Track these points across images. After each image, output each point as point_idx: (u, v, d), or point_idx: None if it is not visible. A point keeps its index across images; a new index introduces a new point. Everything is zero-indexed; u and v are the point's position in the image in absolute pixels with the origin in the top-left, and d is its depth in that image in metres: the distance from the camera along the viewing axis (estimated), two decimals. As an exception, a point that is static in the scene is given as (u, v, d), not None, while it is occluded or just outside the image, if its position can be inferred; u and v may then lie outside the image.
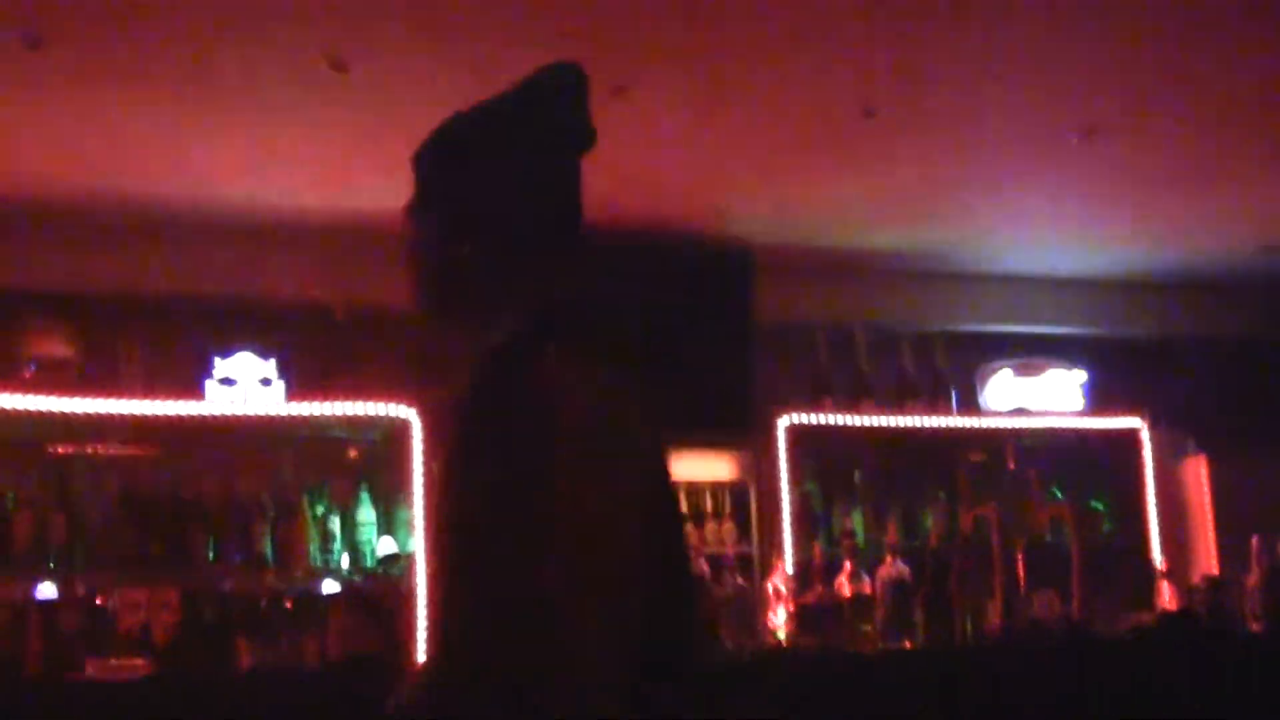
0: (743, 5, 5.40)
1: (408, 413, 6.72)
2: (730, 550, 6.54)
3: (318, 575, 6.73)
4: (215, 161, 6.69)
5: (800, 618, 5.86)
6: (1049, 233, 8.20)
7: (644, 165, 6.92)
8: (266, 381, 6.78)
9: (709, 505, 7.81)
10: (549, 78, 2.65)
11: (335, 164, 6.77)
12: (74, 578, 6.51)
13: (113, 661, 5.26)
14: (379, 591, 6.62)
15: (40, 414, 6.51)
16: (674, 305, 7.73)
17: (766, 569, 6.62)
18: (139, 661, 5.33)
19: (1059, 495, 7.85)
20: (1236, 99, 6.43)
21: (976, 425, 7.99)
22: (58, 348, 6.96)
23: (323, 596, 6.54)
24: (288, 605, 6.42)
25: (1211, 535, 8.11)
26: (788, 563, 6.63)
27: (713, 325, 7.90)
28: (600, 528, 2.25)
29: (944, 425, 7.85)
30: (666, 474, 2.55)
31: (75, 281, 7.28)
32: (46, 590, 6.47)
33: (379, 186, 7.03)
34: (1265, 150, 7.03)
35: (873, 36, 5.73)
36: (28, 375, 6.82)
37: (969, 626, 6.15)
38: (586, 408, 2.32)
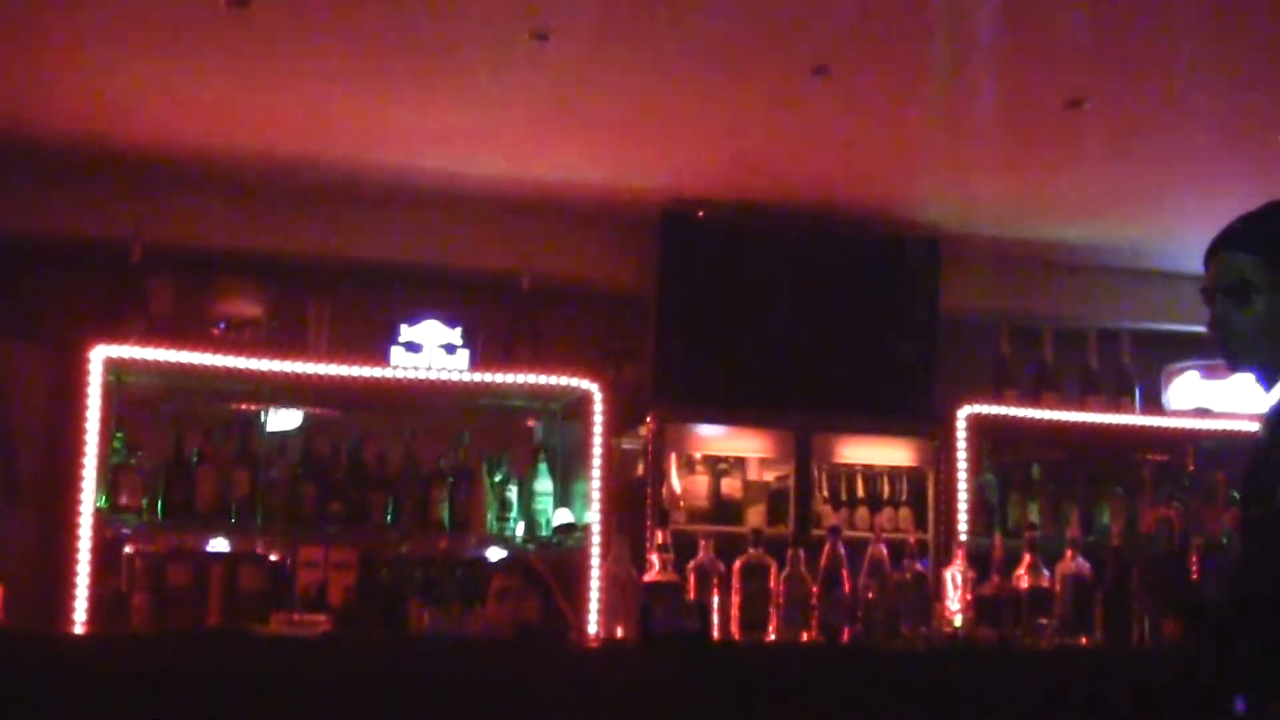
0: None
1: (589, 385, 6.74)
2: (907, 537, 6.47)
3: (493, 543, 6.79)
4: (410, 129, 6.76)
5: (977, 608, 5.78)
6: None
7: (838, 146, 6.91)
8: (451, 349, 6.84)
9: (886, 491, 7.79)
10: None
11: (531, 135, 6.81)
12: (254, 535, 6.63)
13: (295, 617, 5.31)
14: (545, 560, 6.65)
15: (227, 372, 6.60)
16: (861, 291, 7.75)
17: (941, 557, 6.56)
18: (321, 617, 5.38)
19: (1238, 498, 7.67)
20: None
21: (1159, 425, 7.87)
22: (247, 308, 7.08)
23: (489, 563, 6.59)
24: (461, 571, 6.45)
25: None
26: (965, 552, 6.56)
27: (898, 312, 7.88)
28: None
29: (1126, 423, 7.74)
30: None
31: (266, 243, 7.42)
32: (228, 546, 6.60)
33: (572, 158, 7.16)
34: None
35: (1081, 27, 5.64)
36: (216, 333, 6.94)
37: (1147, 628, 6.03)
38: None
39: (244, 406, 7.00)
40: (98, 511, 6.25)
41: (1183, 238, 8.07)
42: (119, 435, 6.45)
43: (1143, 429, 7.80)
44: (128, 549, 6.37)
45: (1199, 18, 5.50)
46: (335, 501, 6.57)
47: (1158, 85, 6.12)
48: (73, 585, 6.12)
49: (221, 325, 7.02)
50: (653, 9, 5.51)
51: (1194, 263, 8.37)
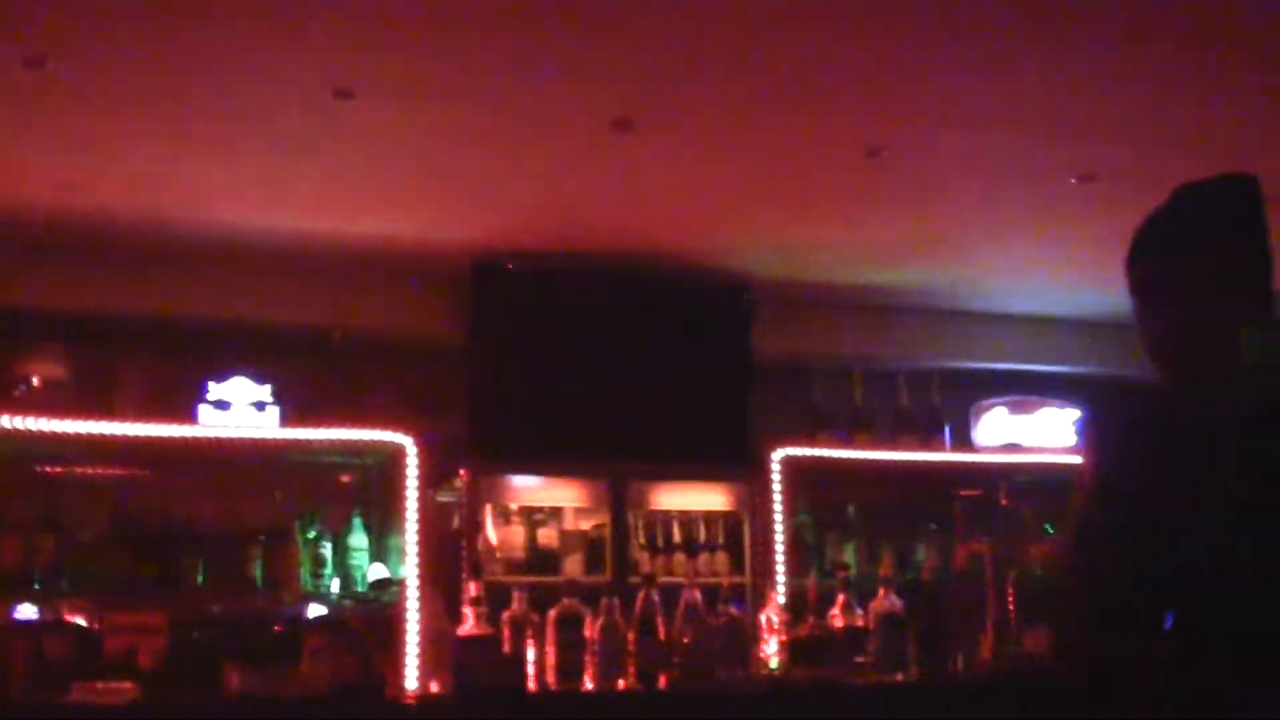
0: (750, 44, 5.40)
1: (403, 439, 6.69)
2: (724, 581, 6.51)
3: (308, 601, 6.70)
4: (217, 186, 6.70)
5: (793, 649, 5.83)
6: (1047, 273, 8.23)
7: (645, 198, 6.96)
8: (261, 406, 6.75)
9: (703, 535, 7.82)
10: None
11: (338, 191, 6.79)
12: (61, 601, 6.47)
13: (99, 686, 5.20)
14: (361, 618, 6.58)
15: (31, 434, 6.45)
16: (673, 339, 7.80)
17: (759, 600, 6.60)
18: (127, 685, 5.28)
19: (1051, 531, 7.82)
20: (1232, 149, 6.45)
21: (970, 461, 7.99)
22: (51, 368, 6.94)
23: (304, 622, 6.51)
24: (276, 631, 6.36)
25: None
26: (781, 594, 6.62)
27: (710, 359, 7.95)
28: None
29: (938, 460, 7.85)
30: None
31: (71, 302, 7.28)
32: (32, 613, 6.44)
33: (380, 213, 7.13)
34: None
35: (877, 79, 5.75)
36: (19, 394, 6.79)
37: (961, 661, 6.13)
38: None
39: (49, 469, 6.84)
40: (-109, 583, 6.08)
41: (985, 280, 8.26)
42: (-84, 503, 6.28)
43: (954, 466, 7.90)
44: (-75, 621, 6.20)
45: (992, 68, 5.63)
46: (145, 564, 6.45)
47: (955, 133, 6.24)
48: None
49: (24, 386, 6.87)
50: (455, 66, 5.52)
51: (999, 303, 8.64)
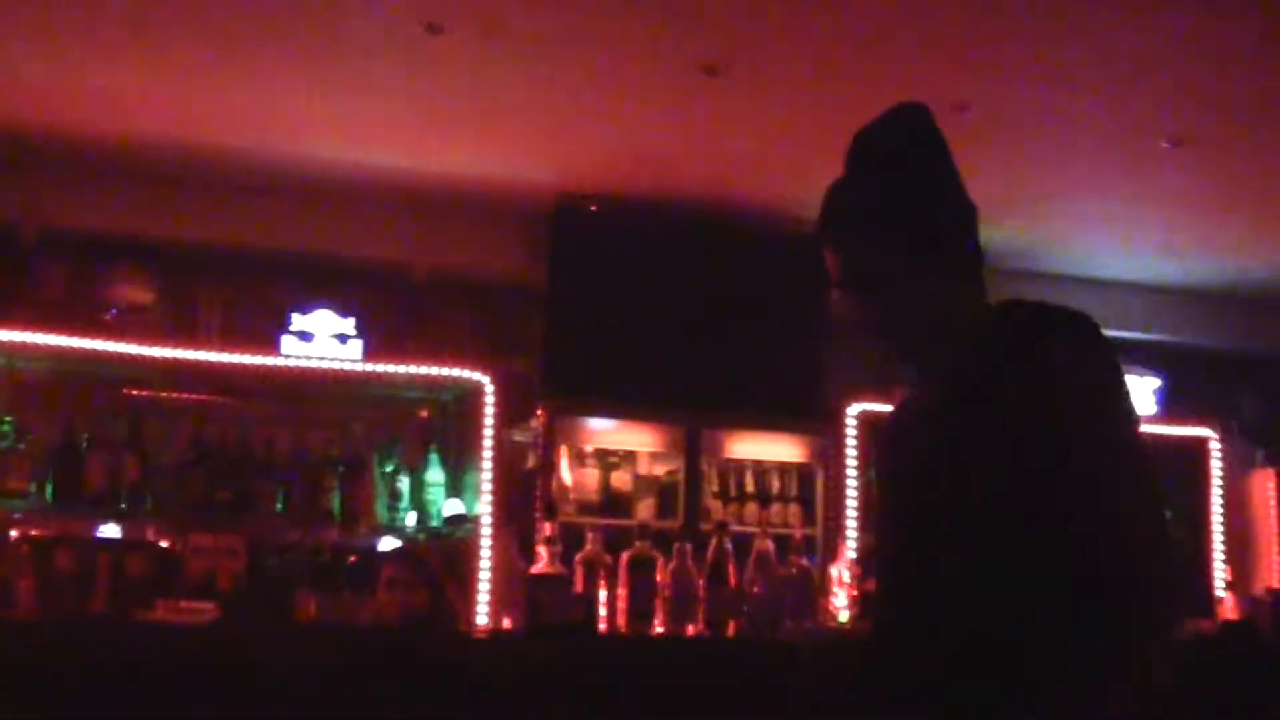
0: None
1: (481, 377, 6.75)
2: (795, 532, 6.54)
3: (383, 533, 6.78)
4: (307, 119, 6.76)
5: (863, 604, 5.85)
6: (1132, 238, 8.18)
7: (731, 145, 6.96)
8: (343, 338, 6.83)
9: (775, 486, 7.85)
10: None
11: (425, 126, 6.84)
12: (143, 521, 6.58)
13: (182, 604, 5.29)
14: (435, 552, 6.64)
15: (119, 357, 6.55)
16: (752, 287, 7.79)
17: (830, 553, 6.63)
18: (208, 605, 5.36)
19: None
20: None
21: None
22: (140, 294, 7.05)
23: (379, 553, 6.59)
24: (351, 561, 6.44)
25: (1276, 549, 8.07)
26: (852, 548, 6.64)
27: (788, 309, 7.95)
28: None
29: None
30: None
31: (159, 230, 7.37)
32: (116, 532, 6.55)
33: (465, 150, 7.18)
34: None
35: (966, 32, 5.74)
36: (109, 319, 6.88)
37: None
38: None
39: (135, 392, 6.94)
40: (-16, 495, 6.19)
41: (1069, 241, 8.22)
42: (8, 419, 6.38)
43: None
44: (14, 533, 6.32)
45: (1085, 23, 5.61)
46: (224, 489, 6.54)
47: (1042, 89, 6.22)
48: (-44, 570, 6.04)
49: (113, 311, 6.96)
50: (545, 4, 5.55)
51: (1081, 266, 8.60)
